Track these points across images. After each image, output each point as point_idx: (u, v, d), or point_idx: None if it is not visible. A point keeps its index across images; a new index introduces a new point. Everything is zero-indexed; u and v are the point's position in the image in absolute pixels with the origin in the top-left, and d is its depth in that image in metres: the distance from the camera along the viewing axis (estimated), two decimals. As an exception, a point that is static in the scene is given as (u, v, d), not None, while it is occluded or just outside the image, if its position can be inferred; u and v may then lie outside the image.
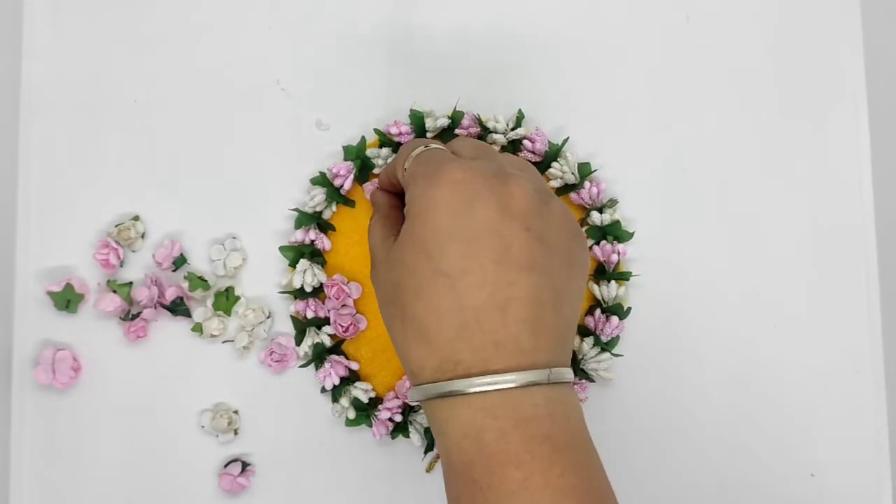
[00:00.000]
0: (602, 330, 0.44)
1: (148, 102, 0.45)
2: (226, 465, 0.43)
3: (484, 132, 0.44)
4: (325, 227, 0.44)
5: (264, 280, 0.44)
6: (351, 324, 0.43)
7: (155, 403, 0.43)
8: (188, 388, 0.43)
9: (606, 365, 0.44)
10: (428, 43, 0.46)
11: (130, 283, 0.43)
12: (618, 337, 0.44)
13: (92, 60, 0.45)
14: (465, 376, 0.32)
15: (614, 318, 0.44)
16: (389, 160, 0.44)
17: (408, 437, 0.43)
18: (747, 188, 0.46)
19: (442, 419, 0.32)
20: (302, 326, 0.43)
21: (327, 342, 0.43)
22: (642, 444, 0.44)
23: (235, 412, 0.43)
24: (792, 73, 0.47)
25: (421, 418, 0.43)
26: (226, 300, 0.43)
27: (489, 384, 0.31)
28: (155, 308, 0.43)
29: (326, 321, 0.43)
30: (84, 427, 0.43)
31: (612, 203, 0.45)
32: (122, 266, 0.44)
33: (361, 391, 0.43)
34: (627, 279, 0.44)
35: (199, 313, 0.43)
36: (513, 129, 0.44)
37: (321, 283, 0.44)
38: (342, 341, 0.44)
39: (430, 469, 0.44)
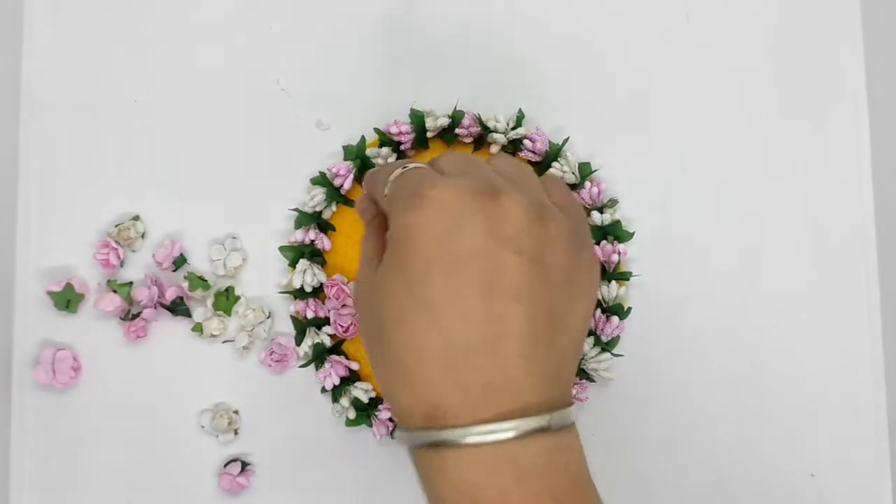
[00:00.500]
0: (602, 330, 0.44)
1: (148, 102, 0.45)
2: (226, 465, 0.43)
3: (484, 132, 0.44)
4: (325, 227, 0.44)
5: (264, 280, 0.44)
6: (351, 324, 0.43)
7: (155, 403, 0.43)
8: (188, 388, 0.43)
9: (606, 365, 0.44)
10: (428, 43, 0.46)
11: (130, 283, 0.43)
12: (618, 337, 0.44)
13: (92, 60, 0.45)
14: (456, 425, 0.29)
15: (614, 318, 0.44)
16: (389, 160, 0.44)
17: (408, 437, 0.43)
18: (747, 188, 0.46)
19: (432, 469, 0.30)
20: (302, 326, 0.43)
21: (327, 342, 0.43)
22: (642, 444, 0.44)
23: (235, 412, 0.43)
24: (792, 73, 0.47)
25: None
26: (226, 300, 0.43)
27: (485, 433, 0.28)
28: (155, 308, 0.43)
29: (326, 321, 0.43)
30: (84, 427, 0.43)
31: (612, 203, 0.45)
32: (122, 266, 0.44)
33: (361, 391, 0.43)
34: (627, 279, 0.44)
35: (199, 313, 0.43)
36: (513, 129, 0.44)
37: (321, 283, 0.43)
38: (342, 341, 0.44)
39: (430, 469, 0.44)
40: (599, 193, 0.44)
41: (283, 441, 0.43)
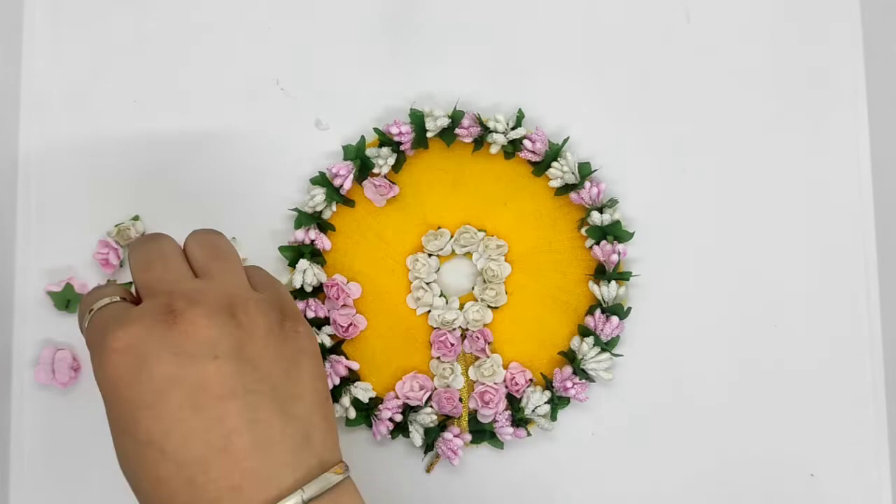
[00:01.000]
0: (602, 330, 0.44)
1: (148, 102, 0.45)
2: (226, 465, 0.43)
3: (484, 132, 0.44)
4: (324, 226, 0.44)
5: (264, 280, 0.44)
6: (351, 324, 0.43)
7: (155, 403, 0.43)
8: (188, 388, 0.43)
9: (606, 365, 0.44)
10: (428, 42, 0.46)
11: (130, 283, 0.43)
12: (618, 337, 0.44)
13: (92, 60, 0.45)
14: None
15: (614, 318, 0.44)
16: (389, 161, 0.44)
17: (408, 437, 0.43)
18: (747, 188, 0.46)
19: None
20: (302, 326, 0.43)
21: (327, 342, 0.43)
22: (642, 443, 0.44)
23: (235, 412, 0.43)
24: (792, 73, 0.47)
25: (421, 418, 0.43)
26: (226, 300, 0.43)
27: None
28: (155, 308, 0.43)
29: (326, 321, 0.43)
30: (84, 427, 0.43)
31: (612, 203, 0.45)
32: (121, 266, 0.44)
33: (361, 391, 0.43)
34: (627, 279, 0.44)
35: (199, 313, 0.43)
36: (513, 129, 0.44)
37: (321, 283, 0.44)
38: (342, 341, 0.44)
39: (430, 469, 0.44)
40: (599, 193, 0.44)
41: (283, 441, 0.43)
